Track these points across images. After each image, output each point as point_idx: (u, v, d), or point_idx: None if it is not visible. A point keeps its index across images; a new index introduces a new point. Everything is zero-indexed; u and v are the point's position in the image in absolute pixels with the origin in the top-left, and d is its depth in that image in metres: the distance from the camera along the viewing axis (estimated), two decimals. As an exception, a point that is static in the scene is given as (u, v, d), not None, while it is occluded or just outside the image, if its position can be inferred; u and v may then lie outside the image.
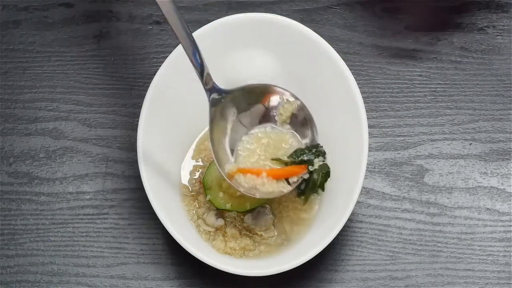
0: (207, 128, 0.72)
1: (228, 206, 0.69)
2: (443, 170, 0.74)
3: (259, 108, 0.68)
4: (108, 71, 0.78)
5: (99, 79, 0.78)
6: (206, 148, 0.71)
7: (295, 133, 0.68)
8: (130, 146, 0.75)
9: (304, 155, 0.67)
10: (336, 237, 0.63)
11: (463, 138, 0.75)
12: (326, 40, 0.67)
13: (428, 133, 0.75)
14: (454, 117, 0.76)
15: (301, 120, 0.67)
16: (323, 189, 0.68)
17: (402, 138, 0.75)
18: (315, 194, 0.69)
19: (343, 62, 0.67)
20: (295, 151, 0.67)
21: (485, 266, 0.71)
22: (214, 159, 0.66)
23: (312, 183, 0.69)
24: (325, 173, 0.68)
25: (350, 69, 0.67)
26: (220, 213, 0.69)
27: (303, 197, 0.69)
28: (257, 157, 0.67)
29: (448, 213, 0.72)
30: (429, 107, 0.76)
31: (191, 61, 0.63)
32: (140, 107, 0.66)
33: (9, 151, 0.75)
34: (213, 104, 0.65)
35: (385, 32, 0.79)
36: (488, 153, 0.74)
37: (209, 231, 0.69)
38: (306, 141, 0.68)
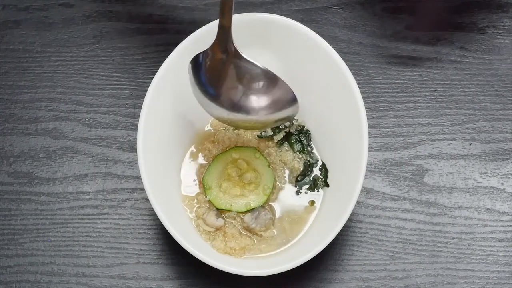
0: (207, 128, 0.72)
1: (228, 206, 0.69)
2: (443, 170, 0.74)
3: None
4: (108, 71, 0.78)
5: (99, 79, 0.78)
6: (206, 148, 0.71)
7: None
8: (130, 146, 0.75)
9: None
10: (336, 237, 0.63)
11: (463, 138, 0.75)
12: (326, 40, 0.67)
13: (428, 133, 0.75)
14: (454, 117, 0.76)
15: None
16: (327, 185, 0.69)
17: (402, 138, 0.75)
18: (318, 191, 0.69)
19: (343, 62, 0.67)
20: None
21: (485, 266, 0.71)
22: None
23: (314, 182, 0.70)
24: (324, 169, 0.70)
25: (350, 69, 0.67)
26: (220, 213, 0.69)
27: (306, 198, 0.70)
28: None
29: (448, 213, 0.72)
30: (429, 107, 0.76)
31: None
32: (140, 107, 0.66)
33: (9, 151, 0.75)
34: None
35: (385, 32, 0.79)
36: (488, 153, 0.74)
37: (209, 231, 0.69)
38: None
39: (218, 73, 0.65)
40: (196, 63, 0.65)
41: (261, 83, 0.65)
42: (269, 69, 0.65)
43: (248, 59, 0.64)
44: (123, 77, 0.78)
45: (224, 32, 0.64)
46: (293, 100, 0.65)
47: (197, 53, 0.65)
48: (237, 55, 0.64)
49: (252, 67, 0.64)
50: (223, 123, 0.69)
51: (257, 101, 0.65)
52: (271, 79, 0.65)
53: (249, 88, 0.65)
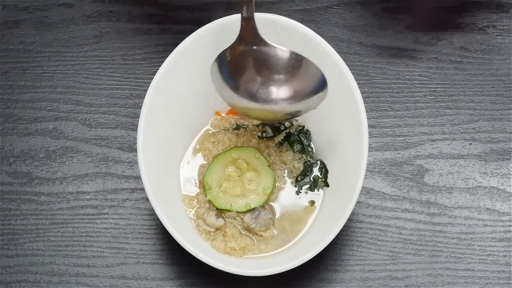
0: (207, 128, 0.72)
1: (228, 206, 0.69)
2: (443, 170, 0.74)
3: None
4: (108, 71, 0.78)
5: (99, 79, 0.78)
6: (206, 148, 0.71)
7: None
8: (130, 146, 0.75)
9: None
10: (336, 237, 0.63)
11: (463, 138, 0.75)
12: (326, 40, 0.67)
13: (428, 133, 0.75)
14: (454, 117, 0.76)
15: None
16: (327, 185, 0.69)
17: (402, 138, 0.75)
18: (318, 190, 0.69)
19: (343, 62, 0.67)
20: None
21: (485, 266, 0.71)
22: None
23: (314, 182, 0.70)
24: (324, 169, 0.70)
25: (350, 69, 0.67)
26: (220, 213, 0.69)
27: (306, 198, 0.70)
28: None
29: (448, 213, 0.72)
30: (429, 107, 0.76)
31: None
32: (140, 107, 0.66)
33: (9, 151, 0.75)
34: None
35: (385, 32, 0.79)
36: (488, 153, 0.74)
37: (209, 231, 0.69)
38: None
39: (249, 66, 0.66)
40: (222, 61, 0.66)
41: (294, 68, 0.65)
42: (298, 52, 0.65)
43: (275, 45, 0.65)
44: (123, 77, 0.78)
45: (249, 25, 0.65)
46: (321, 85, 0.65)
47: (221, 52, 0.66)
48: (264, 43, 0.65)
49: (281, 52, 0.65)
50: (252, 117, 0.70)
51: (293, 86, 0.66)
52: (303, 62, 0.65)
53: (284, 74, 0.66)
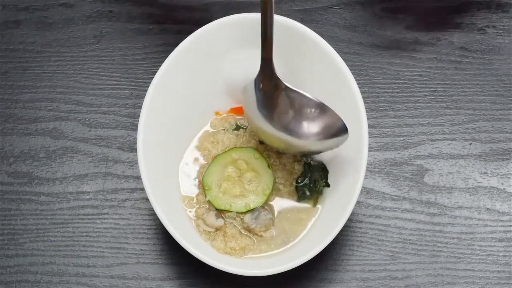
0: (206, 127, 0.72)
1: (227, 206, 0.69)
2: (443, 170, 0.74)
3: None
4: (108, 71, 0.78)
5: (99, 79, 0.78)
6: (206, 148, 0.71)
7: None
8: (130, 146, 0.75)
9: None
10: (336, 237, 0.63)
11: (463, 138, 0.75)
12: (326, 40, 0.67)
13: (428, 133, 0.75)
14: (454, 117, 0.76)
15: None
16: (327, 185, 0.69)
17: (402, 138, 0.75)
18: (320, 190, 0.69)
19: (343, 62, 0.67)
20: None
21: (485, 266, 0.71)
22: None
23: (314, 182, 0.70)
24: (324, 169, 0.70)
25: (350, 69, 0.67)
26: (220, 213, 0.69)
27: (306, 199, 0.70)
28: None
29: (448, 213, 0.72)
30: (429, 107, 0.76)
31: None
32: (140, 107, 0.66)
33: (9, 151, 0.75)
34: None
35: (385, 32, 0.79)
36: (488, 153, 0.74)
37: (209, 231, 0.69)
38: None
39: (267, 100, 0.66)
40: (257, 85, 0.66)
41: (308, 111, 0.65)
42: (315, 97, 0.65)
43: (292, 88, 0.65)
44: (123, 77, 0.78)
45: (267, 64, 0.65)
46: (343, 130, 0.65)
47: (255, 77, 0.66)
48: (280, 85, 0.65)
49: (296, 96, 0.65)
50: (267, 143, 0.70)
51: (301, 127, 0.66)
52: (318, 108, 0.65)
53: (296, 115, 0.66)
